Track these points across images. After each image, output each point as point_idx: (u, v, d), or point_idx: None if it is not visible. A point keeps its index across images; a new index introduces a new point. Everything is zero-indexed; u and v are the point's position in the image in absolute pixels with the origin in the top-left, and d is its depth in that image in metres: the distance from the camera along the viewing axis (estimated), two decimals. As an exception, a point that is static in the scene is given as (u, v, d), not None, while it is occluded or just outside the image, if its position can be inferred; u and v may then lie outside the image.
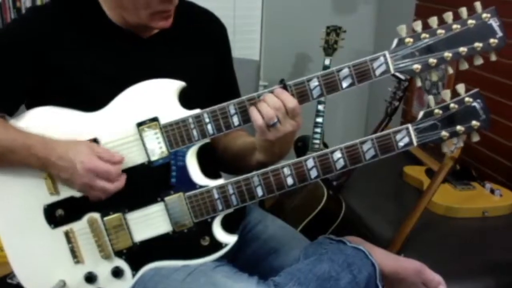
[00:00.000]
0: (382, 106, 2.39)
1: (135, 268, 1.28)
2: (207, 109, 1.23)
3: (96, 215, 1.27)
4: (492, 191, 2.16)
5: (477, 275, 1.78)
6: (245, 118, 1.23)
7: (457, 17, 1.18)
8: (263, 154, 1.29)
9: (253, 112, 1.20)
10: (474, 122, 1.20)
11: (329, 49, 2.59)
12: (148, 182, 1.26)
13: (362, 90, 3.34)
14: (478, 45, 1.18)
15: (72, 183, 1.22)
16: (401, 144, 1.21)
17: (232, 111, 1.22)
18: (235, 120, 1.23)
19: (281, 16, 3.07)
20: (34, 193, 1.27)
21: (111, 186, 1.21)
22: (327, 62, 2.58)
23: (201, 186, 1.25)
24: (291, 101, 1.19)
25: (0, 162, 1.26)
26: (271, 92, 1.20)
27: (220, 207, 1.24)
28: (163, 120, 1.24)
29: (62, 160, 1.20)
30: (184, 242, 1.26)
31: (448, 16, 1.18)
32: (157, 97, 1.25)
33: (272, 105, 1.18)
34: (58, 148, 1.21)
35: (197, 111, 1.23)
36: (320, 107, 2.52)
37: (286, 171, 1.22)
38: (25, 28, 1.28)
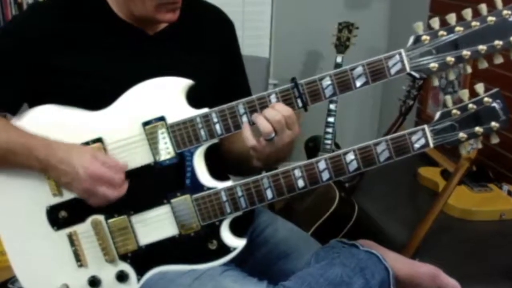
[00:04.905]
0: (396, 105, 2.37)
1: (140, 272, 1.26)
2: (215, 109, 1.21)
3: (100, 217, 1.25)
4: (509, 193, 2.14)
5: (494, 280, 1.75)
6: None
7: (476, 14, 1.16)
8: (261, 163, 1.27)
9: (246, 132, 1.19)
10: (493, 123, 1.18)
11: (341, 46, 2.56)
12: (154, 184, 1.24)
13: (375, 88, 3.31)
14: (498, 43, 1.15)
15: (72, 187, 1.21)
16: (416, 145, 1.19)
17: (241, 110, 1.20)
18: (244, 120, 1.20)
19: (292, 12, 3.04)
20: (37, 194, 1.25)
21: (113, 193, 1.19)
22: (339, 59, 2.56)
23: (208, 188, 1.23)
24: (287, 110, 1.17)
25: (2, 163, 1.24)
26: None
27: (228, 210, 1.22)
28: (170, 120, 1.22)
29: (64, 164, 1.18)
30: (191, 246, 1.24)
31: (467, 13, 1.16)
32: (164, 96, 1.23)
33: (271, 118, 1.16)
34: (59, 151, 1.19)
35: (205, 110, 1.21)
36: (332, 106, 2.50)
37: (297, 173, 1.20)
38: (26, 27, 1.27)
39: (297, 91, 1.18)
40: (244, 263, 1.33)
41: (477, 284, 1.68)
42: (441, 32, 1.16)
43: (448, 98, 1.20)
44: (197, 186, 1.23)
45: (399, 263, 1.32)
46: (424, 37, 1.16)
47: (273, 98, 1.19)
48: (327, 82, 1.18)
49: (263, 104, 1.19)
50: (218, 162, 1.34)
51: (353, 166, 1.19)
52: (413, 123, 2.86)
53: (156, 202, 1.24)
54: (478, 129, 1.17)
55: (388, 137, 1.19)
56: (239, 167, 1.42)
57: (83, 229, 1.26)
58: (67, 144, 1.21)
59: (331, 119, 2.49)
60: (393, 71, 1.17)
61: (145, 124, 1.22)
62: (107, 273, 1.26)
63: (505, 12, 1.14)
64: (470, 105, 1.17)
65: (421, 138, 1.18)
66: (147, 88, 1.23)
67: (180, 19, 1.28)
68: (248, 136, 1.19)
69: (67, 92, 1.24)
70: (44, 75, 1.24)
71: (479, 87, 1.17)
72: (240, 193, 1.21)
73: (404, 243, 1.85)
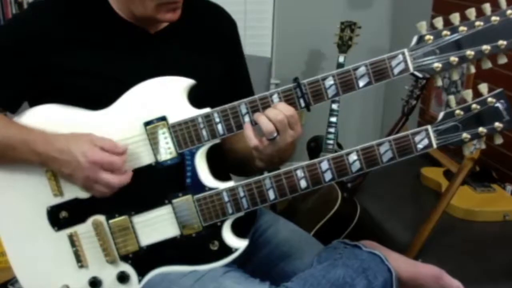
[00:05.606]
0: (399, 104, 2.35)
1: (141, 273, 1.25)
2: (217, 108, 1.20)
3: (101, 218, 1.24)
4: (513, 194, 2.12)
5: (497, 281, 1.75)
6: None
7: (480, 14, 1.15)
8: (263, 163, 1.27)
9: (248, 132, 1.18)
10: (497, 124, 1.17)
11: (344, 45, 2.55)
12: (155, 184, 1.23)
13: (378, 88, 3.30)
14: (502, 43, 1.14)
15: (74, 178, 1.19)
16: (420, 146, 1.18)
17: (244, 110, 1.19)
18: (247, 120, 1.19)
19: (294, 12, 3.03)
20: (37, 194, 1.24)
21: (115, 179, 1.17)
22: (341, 59, 2.55)
23: (210, 189, 1.22)
24: (289, 109, 1.17)
25: (2, 159, 1.24)
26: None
27: (230, 211, 1.22)
28: (172, 120, 1.21)
29: (63, 154, 1.17)
30: (193, 246, 1.24)
31: (471, 12, 1.15)
32: (165, 96, 1.22)
33: (273, 117, 1.16)
34: (58, 142, 1.19)
35: (207, 110, 1.20)
36: (334, 106, 2.49)
37: (300, 173, 1.20)
38: (26, 26, 1.26)
39: (300, 91, 1.17)
40: (245, 264, 1.33)
41: (480, 285, 1.68)
42: (444, 32, 1.15)
43: (452, 98, 1.19)
44: (199, 187, 1.22)
45: (402, 264, 1.32)
46: (427, 36, 1.15)
47: (275, 98, 1.18)
48: (330, 82, 1.17)
49: (266, 104, 1.18)
50: (220, 162, 1.33)
51: (356, 166, 1.19)
52: (415, 123, 2.85)
53: (158, 202, 1.23)
54: (481, 129, 1.16)
55: (391, 137, 1.18)
56: (241, 168, 1.41)
57: (84, 230, 1.25)
58: (64, 134, 1.20)
59: (333, 119, 2.48)
60: (396, 71, 1.16)
61: (147, 124, 1.21)
62: (108, 274, 1.26)
63: (509, 12, 1.13)
64: (474, 106, 1.16)
65: (425, 138, 1.17)
66: (149, 88, 1.22)
67: (182, 18, 1.27)
68: (250, 136, 1.18)
69: (67, 92, 1.23)
70: (44, 74, 1.24)
71: (483, 87, 1.17)
72: (242, 194, 1.21)
73: (407, 244, 1.85)
